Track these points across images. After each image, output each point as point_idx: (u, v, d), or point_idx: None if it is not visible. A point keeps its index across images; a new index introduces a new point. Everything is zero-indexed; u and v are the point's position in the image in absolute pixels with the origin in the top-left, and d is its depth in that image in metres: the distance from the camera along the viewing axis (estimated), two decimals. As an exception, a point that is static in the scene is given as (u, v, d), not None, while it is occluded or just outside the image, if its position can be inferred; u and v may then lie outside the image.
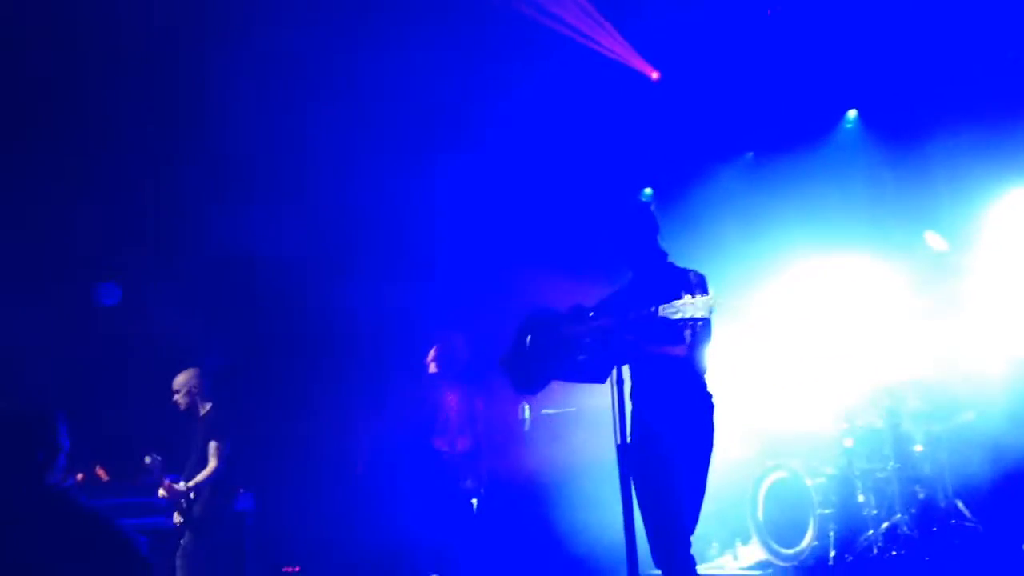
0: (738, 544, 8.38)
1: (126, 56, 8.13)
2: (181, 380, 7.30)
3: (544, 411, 8.62)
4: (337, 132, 8.98)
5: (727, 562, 8.35)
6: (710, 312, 3.97)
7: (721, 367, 7.60)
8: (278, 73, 8.40)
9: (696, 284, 4.45)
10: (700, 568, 6.31)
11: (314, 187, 9.33)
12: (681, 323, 4.10)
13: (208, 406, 7.28)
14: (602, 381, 4.41)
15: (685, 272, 4.57)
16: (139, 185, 9.02)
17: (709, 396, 4.57)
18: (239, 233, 8.73)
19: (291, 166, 9.16)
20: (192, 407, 7.27)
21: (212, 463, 7.04)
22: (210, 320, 9.16)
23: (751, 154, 10.20)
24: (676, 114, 9.76)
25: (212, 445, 7.06)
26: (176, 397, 7.28)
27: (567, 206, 9.61)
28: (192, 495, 7.05)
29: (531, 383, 4.84)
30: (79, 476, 7.18)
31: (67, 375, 8.36)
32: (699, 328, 4.32)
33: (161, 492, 7.04)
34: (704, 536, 8.33)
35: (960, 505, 7.02)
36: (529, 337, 4.78)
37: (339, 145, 9.07)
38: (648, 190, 10.77)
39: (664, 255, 4.75)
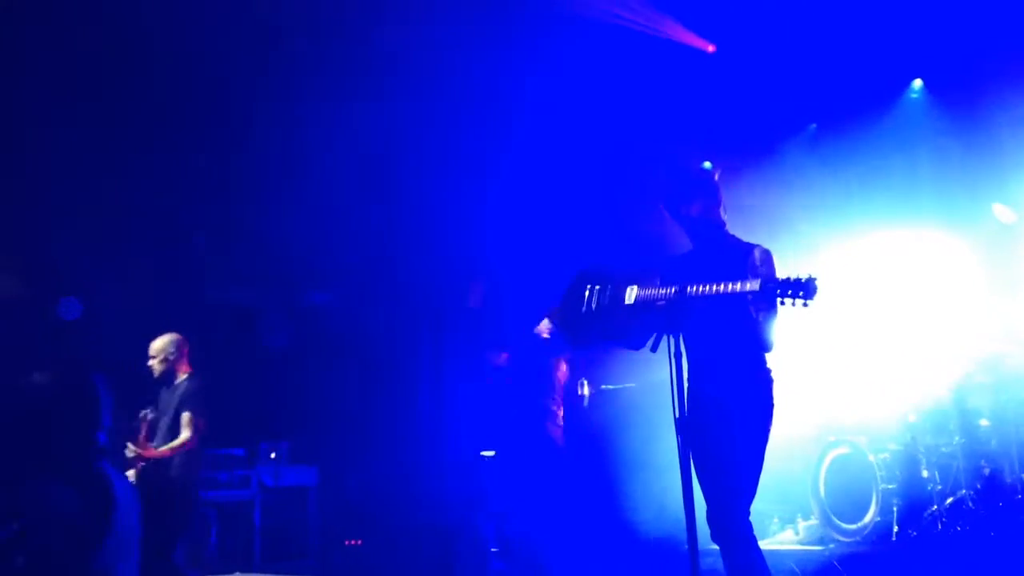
0: (799, 520, 8.33)
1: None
2: (158, 346, 7.04)
3: (604, 386, 8.63)
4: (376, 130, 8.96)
5: (788, 537, 8.31)
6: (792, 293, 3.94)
7: (785, 342, 7.58)
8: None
9: (763, 261, 4.37)
10: (761, 544, 6.34)
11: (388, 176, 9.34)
12: (746, 298, 4.07)
13: (185, 376, 7.01)
14: (654, 349, 4.38)
15: (750, 247, 4.46)
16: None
17: (768, 372, 4.50)
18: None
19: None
20: (167, 374, 7.02)
21: (185, 433, 6.78)
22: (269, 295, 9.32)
23: (814, 126, 10.06)
24: (738, 86, 9.64)
25: (185, 416, 6.80)
26: (151, 362, 7.02)
27: (630, 184, 9.57)
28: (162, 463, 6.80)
29: (584, 340, 4.78)
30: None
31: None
32: (763, 305, 4.26)
33: (131, 450, 6.68)
34: (765, 512, 8.32)
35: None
36: (587, 292, 4.68)
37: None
38: (708, 163, 10.68)
39: (724, 226, 4.65)
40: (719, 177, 4.72)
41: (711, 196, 4.60)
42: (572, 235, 9.01)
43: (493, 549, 8.78)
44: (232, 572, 7.61)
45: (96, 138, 7.94)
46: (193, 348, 7.17)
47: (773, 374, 4.51)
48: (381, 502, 9.26)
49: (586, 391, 7.90)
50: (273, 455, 8.81)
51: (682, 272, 4.45)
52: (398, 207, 9.59)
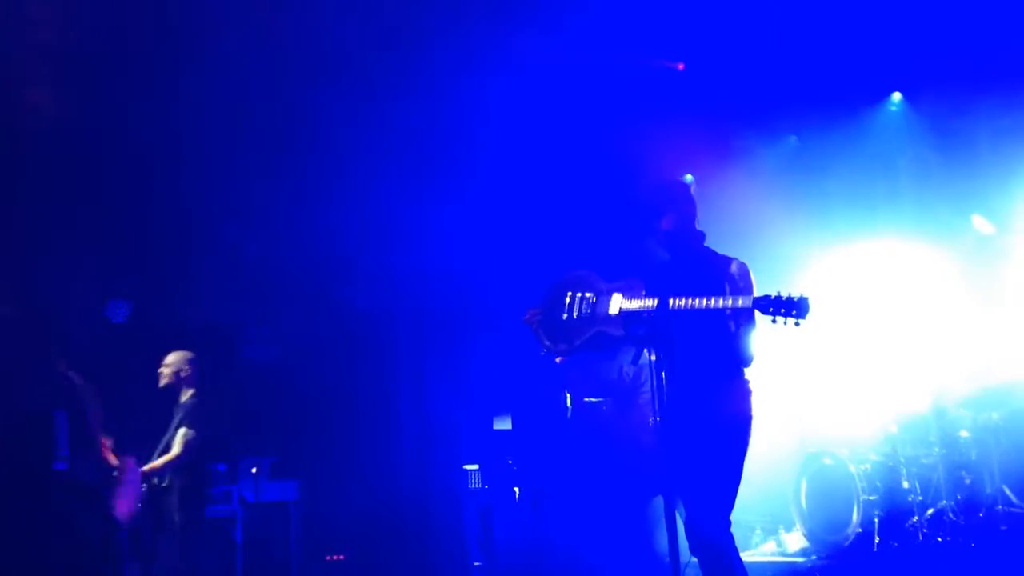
0: (781, 531, 8.33)
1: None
2: (172, 359, 7.14)
3: (587, 399, 8.63)
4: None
5: (770, 549, 8.31)
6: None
7: (767, 354, 7.60)
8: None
9: (740, 275, 4.38)
10: (743, 556, 6.33)
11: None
12: (725, 312, 4.11)
13: (190, 393, 7.09)
14: (634, 361, 4.37)
15: (728, 260, 4.47)
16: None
17: (746, 383, 4.49)
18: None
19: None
20: (174, 388, 7.09)
21: (175, 450, 6.84)
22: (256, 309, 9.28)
23: (794, 138, 10.11)
24: (718, 99, 9.69)
25: (180, 432, 6.87)
26: (162, 371, 7.10)
27: (612, 194, 9.58)
28: (153, 479, 6.88)
29: (566, 347, 4.71)
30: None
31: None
32: (743, 319, 4.27)
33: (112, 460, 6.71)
34: (747, 523, 8.32)
35: (1007, 491, 6.94)
36: (569, 299, 4.67)
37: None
38: (689, 176, 10.72)
39: (701, 239, 4.65)
40: (695, 190, 4.74)
41: (685, 209, 4.61)
42: (550, 242, 9.01)
43: (476, 564, 8.76)
44: (214, 588, 7.58)
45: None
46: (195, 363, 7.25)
47: (752, 385, 4.50)
48: (363, 517, 9.22)
49: (568, 403, 7.89)
50: (254, 470, 8.75)
51: (663, 285, 4.41)
52: (382, 218, 9.57)
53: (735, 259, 4.48)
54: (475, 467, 9.30)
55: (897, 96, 9.57)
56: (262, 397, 9.25)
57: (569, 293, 4.71)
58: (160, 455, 6.94)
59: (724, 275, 4.36)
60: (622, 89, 9.44)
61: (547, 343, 4.77)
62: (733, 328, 4.30)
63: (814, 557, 7.61)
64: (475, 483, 9.28)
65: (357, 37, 8.15)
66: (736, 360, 4.41)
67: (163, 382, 7.11)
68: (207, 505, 7.44)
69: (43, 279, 7.77)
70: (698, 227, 4.63)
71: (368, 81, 8.59)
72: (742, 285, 4.33)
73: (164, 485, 6.89)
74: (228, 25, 7.53)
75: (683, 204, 4.63)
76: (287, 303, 9.75)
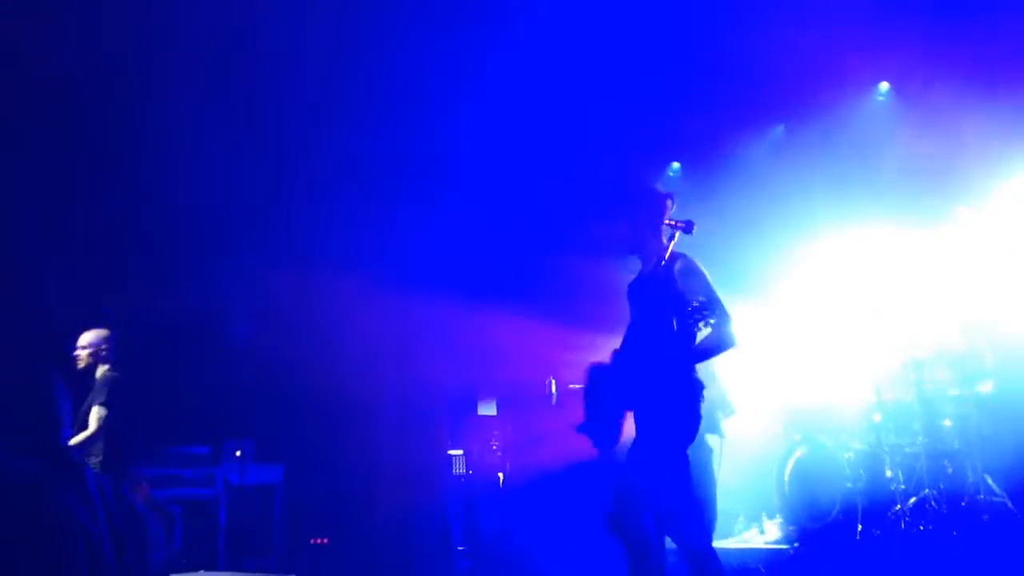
0: (764, 518, 8.39)
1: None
2: (89, 338, 6.97)
3: (572, 386, 8.65)
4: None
5: (753, 536, 8.36)
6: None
7: (751, 343, 7.65)
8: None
9: (682, 271, 4.47)
10: (726, 543, 6.40)
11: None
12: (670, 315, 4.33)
13: (105, 368, 6.90)
14: None
15: (674, 259, 4.54)
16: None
17: (694, 380, 4.53)
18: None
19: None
20: (91, 368, 6.91)
21: (90, 427, 6.66)
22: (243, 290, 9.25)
23: (782, 127, 10.12)
24: (705, 89, 9.68)
25: (95, 410, 6.70)
26: (78, 353, 6.93)
27: (597, 184, 9.57)
28: None
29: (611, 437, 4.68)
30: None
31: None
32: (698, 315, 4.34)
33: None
34: (730, 511, 8.37)
35: (989, 480, 6.98)
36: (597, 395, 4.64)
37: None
38: (676, 164, 10.74)
39: (659, 240, 4.68)
40: (665, 187, 4.80)
41: (646, 214, 4.69)
42: (537, 236, 9.02)
43: (460, 548, 8.78)
44: (197, 571, 7.56)
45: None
46: (159, 346, 7.15)
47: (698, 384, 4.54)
48: (347, 501, 9.21)
49: (554, 390, 7.91)
50: (239, 453, 8.73)
51: (634, 299, 4.64)
52: (365, 209, 9.56)
53: (682, 256, 4.55)
54: (459, 452, 9.32)
55: (884, 86, 9.58)
56: (246, 381, 9.22)
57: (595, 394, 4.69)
58: (77, 433, 6.71)
59: (672, 273, 4.46)
60: (611, 82, 9.42)
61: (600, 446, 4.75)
62: (693, 327, 4.38)
63: (796, 544, 7.65)
64: (459, 468, 9.30)
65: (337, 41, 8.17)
66: (683, 358, 4.47)
67: (82, 364, 6.92)
68: (128, 483, 7.33)
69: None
70: (665, 226, 4.63)
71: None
72: (691, 282, 4.43)
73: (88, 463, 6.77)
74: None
75: (650, 209, 4.69)
76: (271, 288, 9.73)
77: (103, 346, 6.95)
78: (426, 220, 9.69)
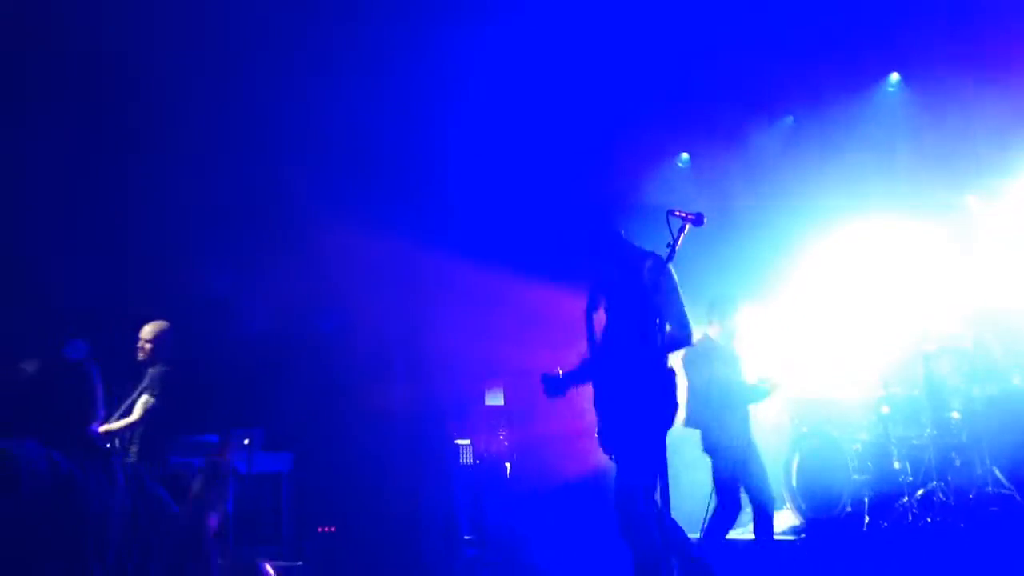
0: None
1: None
2: (148, 332, 7.11)
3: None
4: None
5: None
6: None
7: (759, 335, 7.64)
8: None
9: (656, 270, 4.73)
10: (733, 533, 6.42)
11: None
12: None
13: (160, 363, 7.04)
14: None
15: (644, 257, 4.84)
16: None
17: (664, 369, 4.74)
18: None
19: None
20: (149, 361, 7.05)
21: (134, 415, 6.79)
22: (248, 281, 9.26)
23: (791, 118, 10.09)
24: (716, 79, 9.66)
25: (143, 399, 6.84)
26: (141, 345, 7.08)
27: (607, 172, 9.56)
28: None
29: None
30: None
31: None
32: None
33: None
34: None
35: (997, 472, 6.98)
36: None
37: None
38: (685, 155, 10.72)
39: (619, 239, 4.99)
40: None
41: (603, 220, 5.05)
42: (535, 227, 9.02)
43: (466, 537, 8.79)
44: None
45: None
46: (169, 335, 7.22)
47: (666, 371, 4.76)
48: (354, 490, 9.22)
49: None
50: (247, 442, 8.75)
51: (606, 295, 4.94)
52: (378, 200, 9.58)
53: (652, 254, 4.80)
54: (466, 442, 9.32)
55: (895, 77, 9.54)
56: (255, 369, 9.25)
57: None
58: (119, 419, 6.84)
59: (641, 271, 4.76)
60: (620, 71, 9.39)
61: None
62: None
63: (803, 535, 7.65)
64: (466, 458, 9.31)
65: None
66: (656, 350, 4.68)
67: (142, 356, 7.07)
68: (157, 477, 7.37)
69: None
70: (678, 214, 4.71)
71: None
72: (661, 281, 4.71)
73: (123, 451, 6.84)
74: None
75: (601, 215, 5.08)
76: (280, 277, 9.73)
77: (163, 339, 7.10)
78: (436, 208, 9.69)
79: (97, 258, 8.53)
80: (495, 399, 9.77)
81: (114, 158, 8.61)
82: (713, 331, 6.58)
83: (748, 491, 6.42)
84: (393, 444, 9.53)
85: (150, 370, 7.01)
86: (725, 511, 6.38)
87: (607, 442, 4.74)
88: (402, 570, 8.05)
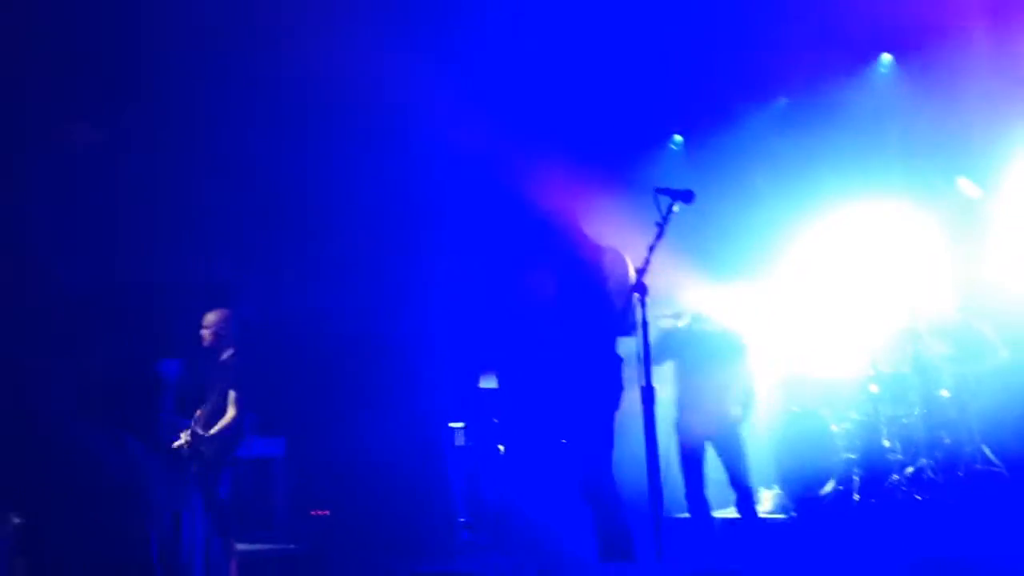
0: (761, 489, 8.38)
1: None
2: (211, 318, 7.17)
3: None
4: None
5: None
6: None
7: (750, 314, 7.65)
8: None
9: (616, 263, 5.09)
10: (723, 512, 6.52)
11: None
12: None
13: (230, 352, 7.09)
14: None
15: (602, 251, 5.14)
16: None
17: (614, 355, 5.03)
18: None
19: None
20: (215, 348, 7.11)
21: (231, 412, 6.88)
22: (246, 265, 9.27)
23: (784, 100, 10.08)
24: (709, 61, 9.64)
25: (232, 394, 6.91)
26: (203, 332, 7.16)
27: (599, 155, 9.55)
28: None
29: None
30: None
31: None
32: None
33: (183, 440, 6.92)
34: (725, 481, 8.38)
35: (986, 450, 7.00)
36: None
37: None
38: (678, 137, 10.72)
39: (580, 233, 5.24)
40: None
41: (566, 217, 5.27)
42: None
43: (461, 520, 8.82)
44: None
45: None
46: (161, 320, 7.27)
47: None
48: (348, 474, 9.25)
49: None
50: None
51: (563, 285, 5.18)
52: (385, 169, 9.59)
53: (610, 248, 5.11)
54: (460, 425, 9.34)
55: (887, 58, 9.53)
56: (249, 354, 9.25)
57: None
58: (209, 418, 6.93)
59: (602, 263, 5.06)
60: (614, 53, 9.38)
61: None
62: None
63: (793, 513, 7.68)
64: (460, 441, 9.33)
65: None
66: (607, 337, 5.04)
67: (206, 343, 7.12)
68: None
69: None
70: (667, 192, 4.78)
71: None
72: (617, 272, 5.02)
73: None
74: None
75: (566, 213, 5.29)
76: (271, 262, 9.75)
77: (226, 326, 7.11)
78: (428, 191, 9.71)
79: (88, 245, 8.55)
80: (489, 383, 9.77)
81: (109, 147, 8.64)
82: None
83: (728, 471, 6.50)
84: (387, 428, 9.56)
85: (224, 360, 7.04)
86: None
87: (561, 426, 5.12)
88: (397, 553, 8.08)
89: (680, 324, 6.59)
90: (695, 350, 6.51)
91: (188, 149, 8.80)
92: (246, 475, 8.68)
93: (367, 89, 8.50)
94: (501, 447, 8.97)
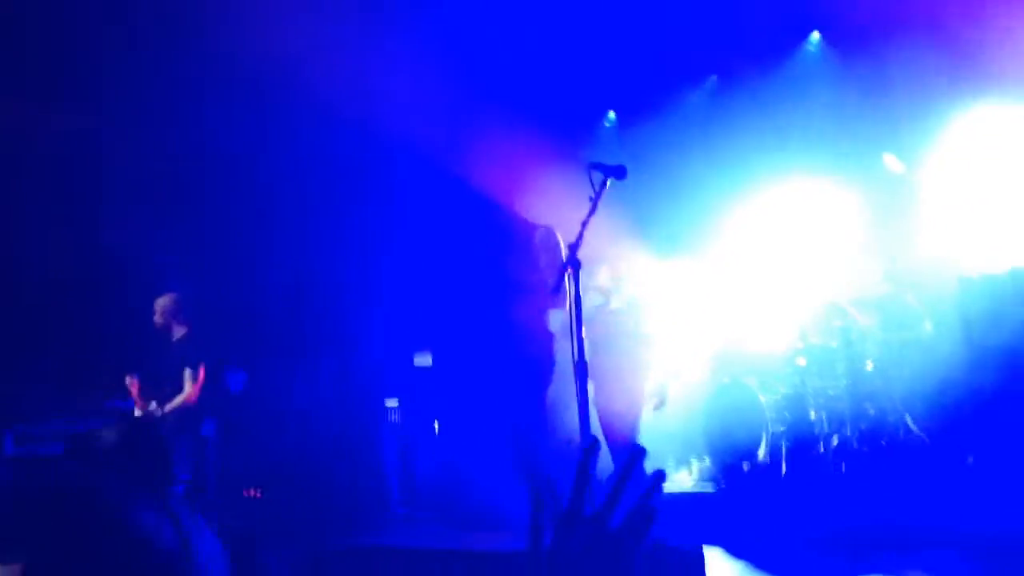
0: (693, 460, 8.51)
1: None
2: (159, 302, 7.40)
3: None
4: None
5: (682, 478, 8.49)
6: None
7: (679, 287, 7.73)
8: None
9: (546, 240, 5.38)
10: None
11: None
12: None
13: (182, 331, 7.33)
14: None
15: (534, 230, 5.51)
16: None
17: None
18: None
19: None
20: (166, 329, 7.34)
21: (187, 389, 7.11)
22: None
23: (714, 77, 10.16)
24: (639, 38, 9.67)
25: (187, 372, 7.13)
26: (155, 317, 7.39)
27: (532, 132, 9.53)
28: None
29: None
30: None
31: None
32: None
33: (137, 413, 7.13)
34: (660, 453, 8.47)
35: (908, 420, 7.15)
36: None
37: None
38: (612, 114, 10.76)
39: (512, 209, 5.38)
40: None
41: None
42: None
43: (396, 497, 8.81)
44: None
45: None
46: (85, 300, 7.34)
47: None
48: (281, 453, 9.17)
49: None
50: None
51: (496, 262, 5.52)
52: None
53: (545, 227, 5.39)
54: (395, 403, 9.31)
55: (816, 36, 9.65)
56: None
57: None
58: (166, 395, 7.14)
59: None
60: (545, 30, 9.36)
61: None
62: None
63: (723, 485, 7.78)
64: (394, 418, 9.31)
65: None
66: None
67: (158, 326, 7.39)
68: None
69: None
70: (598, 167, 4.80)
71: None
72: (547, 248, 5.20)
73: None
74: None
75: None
76: (210, 238, 9.62)
77: (170, 307, 7.39)
78: (365, 172, 9.64)
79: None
80: (423, 361, 9.75)
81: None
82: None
83: None
84: (320, 407, 9.50)
85: (175, 339, 7.32)
86: None
87: (494, 402, 5.21)
88: (332, 529, 8.05)
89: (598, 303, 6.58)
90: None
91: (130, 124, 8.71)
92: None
93: (299, 61, 8.41)
94: (436, 424, 8.96)
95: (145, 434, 3.25)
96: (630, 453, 1.51)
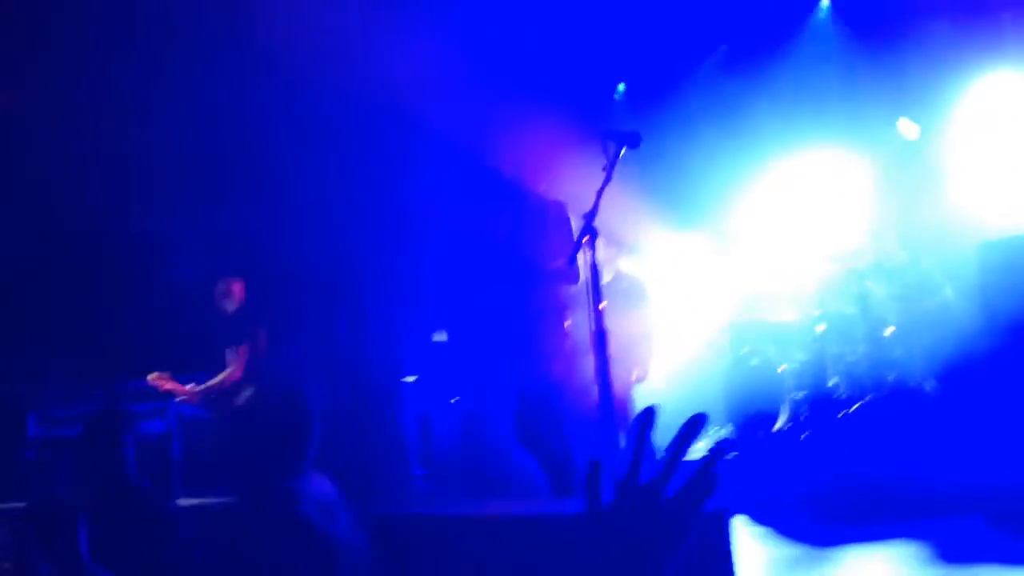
0: (713, 428, 8.54)
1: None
2: (222, 287, 7.73)
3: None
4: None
5: (700, 447, 8.48)
6: None
7: (697, 257, 7.73)
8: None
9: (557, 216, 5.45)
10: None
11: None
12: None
13: (235, 309, 7.63)
14: None
15: (547, 204, 5.49)
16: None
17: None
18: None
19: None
20: (223, 307, 7.64)
21: (230, 368, 7.35)
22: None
23: (725, 47, 10.12)
24: (649, 7, 9.62)
25: (232, 350, 7.39)
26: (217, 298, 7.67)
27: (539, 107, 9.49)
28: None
29: None
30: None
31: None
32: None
33: (180, 398, 7.42)
34: (677, 424, 8.50)
35: (928, 386, 7.16)
36: None
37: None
38: (621, 86, 10.72)
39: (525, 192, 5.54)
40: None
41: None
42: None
43: (417, 471, 8.86)
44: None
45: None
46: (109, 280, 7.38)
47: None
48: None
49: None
50: (192, 385, 8.70)
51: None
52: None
53: (555, 202, 5.38)
54: (413, 379, 9.36)
55: (826, 2, 9.60)
56: (197, 313, 9.16)
57: None
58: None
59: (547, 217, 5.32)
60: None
61: None
62: None
63: (743, 453, 7.80)
64: (415, 394, 9.35)
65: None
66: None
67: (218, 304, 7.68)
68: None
69: None
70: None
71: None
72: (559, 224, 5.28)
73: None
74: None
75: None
76: (219, 219, 9.63)
77: (224, 286, 7.74)
78: (382, 152, 9.64)
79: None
80: (441, 337, 9.79)
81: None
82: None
83: None
84: (340, 383, 9.54)
85: (228, 321, 7.59)
86: None
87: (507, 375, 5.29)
88: (353, 499, 8.10)
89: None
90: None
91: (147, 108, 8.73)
92: (199, 435, 8.65)
93: (315, 42, 8.42)
94: (454, 399, 9.00)
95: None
96: (692, 420, 1.52)
